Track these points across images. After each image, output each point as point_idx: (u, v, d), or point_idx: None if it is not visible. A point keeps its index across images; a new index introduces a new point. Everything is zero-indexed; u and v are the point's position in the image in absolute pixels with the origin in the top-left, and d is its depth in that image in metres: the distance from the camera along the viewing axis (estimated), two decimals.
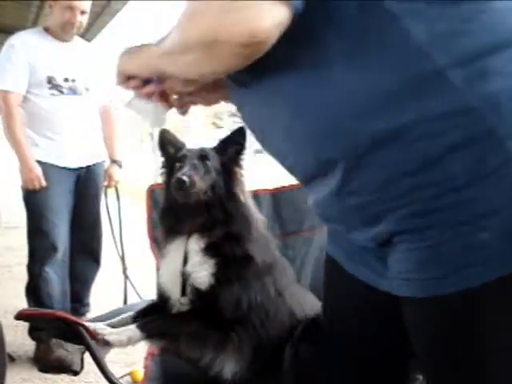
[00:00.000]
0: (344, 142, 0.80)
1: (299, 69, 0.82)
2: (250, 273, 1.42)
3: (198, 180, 1.40)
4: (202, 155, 1.45)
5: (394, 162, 0.77)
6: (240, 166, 1.49)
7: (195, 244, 1.43)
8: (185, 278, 1.42)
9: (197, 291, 1.40)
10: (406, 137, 0.76)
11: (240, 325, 1.39)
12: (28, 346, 2.97)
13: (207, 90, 1.09)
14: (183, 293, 1.42)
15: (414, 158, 0.76)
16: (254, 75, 0.86)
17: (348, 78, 0.78)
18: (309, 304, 1.55)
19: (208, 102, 1.16)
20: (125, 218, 3.32)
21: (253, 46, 0.76)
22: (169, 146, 1.53)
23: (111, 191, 3.26)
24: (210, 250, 1.42)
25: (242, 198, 1.47)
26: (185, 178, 1.37)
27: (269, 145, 0.96)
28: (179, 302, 1.43)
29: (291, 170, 0.96)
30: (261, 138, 0.98)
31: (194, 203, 1.41)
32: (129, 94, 1.10)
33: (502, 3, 0.77)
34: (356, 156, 0.80)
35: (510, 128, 0.73)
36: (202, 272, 1.40)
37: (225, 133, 1.54)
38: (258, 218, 1.52)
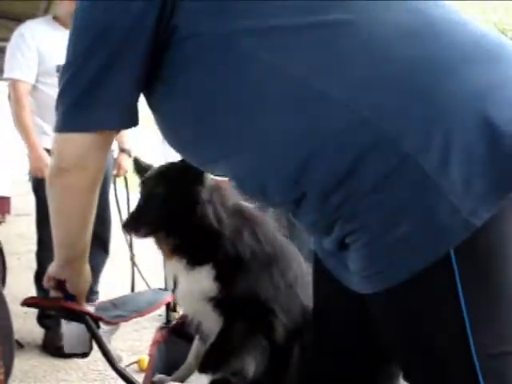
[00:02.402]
0: (277, 177, 0.92)
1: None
2: (253, 265, 1.33)
3: None
4: None
5: (319, 184, 0.88)
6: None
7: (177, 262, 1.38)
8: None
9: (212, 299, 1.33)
10: (317, 160, 0.86)
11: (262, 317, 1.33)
12: (37, 332, 3.00)
13: None
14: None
15: (329, 177, 0.86)
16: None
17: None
18: None
19: None
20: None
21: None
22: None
23: (120, 180, 3.27)
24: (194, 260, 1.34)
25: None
26: None
27: None
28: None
29: None
30: None
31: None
32: None
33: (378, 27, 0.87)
34: (290, 187, 0.91)
35: (398, 131, 0.82)
36: (205, 281, 1.32)
37: None
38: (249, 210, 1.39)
